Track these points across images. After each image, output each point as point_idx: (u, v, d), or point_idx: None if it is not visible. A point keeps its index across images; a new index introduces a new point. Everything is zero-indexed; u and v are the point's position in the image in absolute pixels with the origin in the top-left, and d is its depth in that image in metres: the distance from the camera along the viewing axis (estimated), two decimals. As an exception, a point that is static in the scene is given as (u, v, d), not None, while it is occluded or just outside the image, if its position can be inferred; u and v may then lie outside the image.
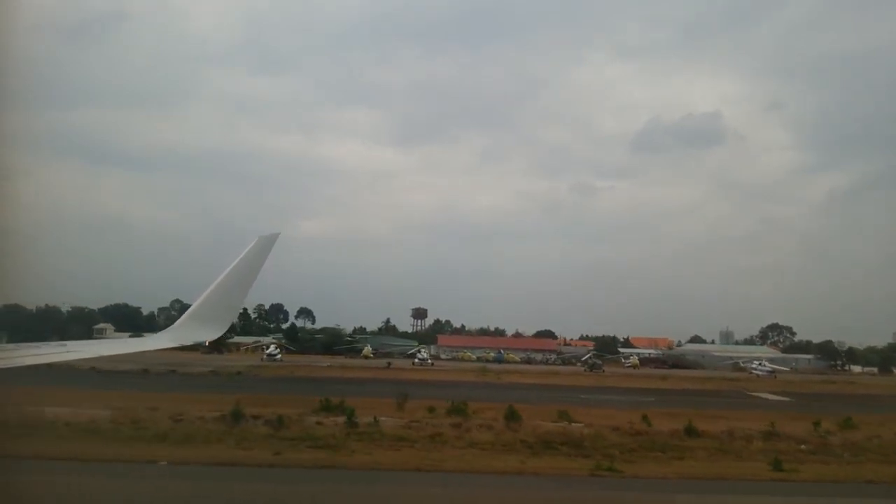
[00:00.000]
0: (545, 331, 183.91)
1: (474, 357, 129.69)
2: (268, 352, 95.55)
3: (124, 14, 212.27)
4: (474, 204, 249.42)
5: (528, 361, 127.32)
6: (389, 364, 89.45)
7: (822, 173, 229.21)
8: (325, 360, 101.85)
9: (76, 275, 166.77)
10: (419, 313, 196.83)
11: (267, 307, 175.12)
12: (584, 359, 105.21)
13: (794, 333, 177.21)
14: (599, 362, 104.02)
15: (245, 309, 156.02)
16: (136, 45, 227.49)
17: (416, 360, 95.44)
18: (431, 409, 29.84)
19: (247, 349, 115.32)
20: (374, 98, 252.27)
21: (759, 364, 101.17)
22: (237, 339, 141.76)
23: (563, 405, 34.65)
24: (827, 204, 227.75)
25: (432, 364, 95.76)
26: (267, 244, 9.49)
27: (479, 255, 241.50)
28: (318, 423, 25.15)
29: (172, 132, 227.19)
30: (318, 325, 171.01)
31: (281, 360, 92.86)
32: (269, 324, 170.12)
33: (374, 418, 25.65)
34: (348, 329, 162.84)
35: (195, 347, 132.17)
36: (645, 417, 29.11)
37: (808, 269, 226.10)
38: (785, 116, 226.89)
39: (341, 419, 25.74)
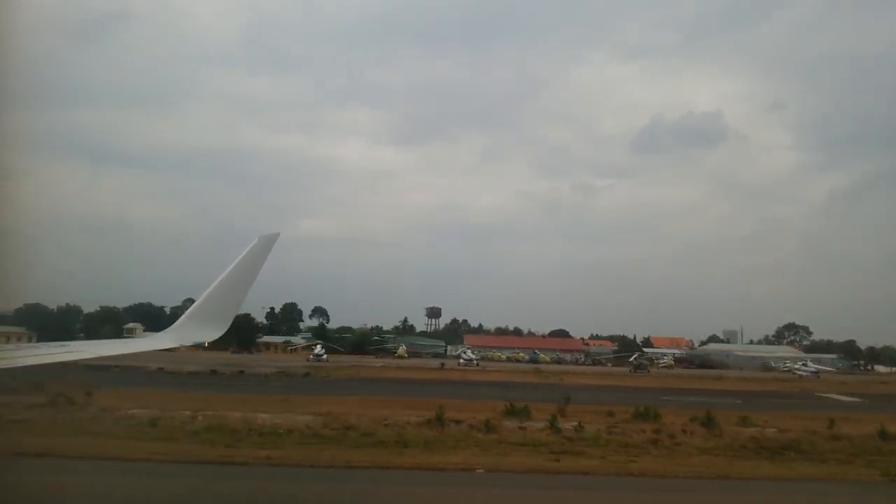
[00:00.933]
0: (559, 330, 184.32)
1: (503, 357, 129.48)
2: (315, 352, 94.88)
3: (125, 14, 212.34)
4: (475, 204, 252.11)
5: (558, 361, 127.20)
6: (443, 365, 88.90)
7: (823, 173, 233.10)
8: (368, 361, 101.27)
9: (76, 274, 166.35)
10: (433, 312, 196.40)
11: (269, 307, 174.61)
12: (631, 359, 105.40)
13: (810, 333, 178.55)
14: (647, 363, 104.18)
15: (272, 308, 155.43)
16: (137, 45, 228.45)
17: (462, 361, 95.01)
18: (611, 414, 29.36)
19: (293, 349, 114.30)
20: (374, 98, 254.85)
21: (803, 364, 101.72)
22: (265, 338, 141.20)
23: (663, 407, 33.60)
24: (828, 204, 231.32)
25: (477, 364, 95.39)
26: (267, 244, 9.46)
27: (479, 254, 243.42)
28: (521, 427, 24.84)
29: (173, 132, 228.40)
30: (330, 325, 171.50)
31: (327, 360, 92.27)
32: (281, 324, 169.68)
33: (579, 424, 25.06)
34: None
35: (224, 347, 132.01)
36: (832, 421, 28.00)
37: (808, 268, 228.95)
38: (786, 116, 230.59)
39: (538, 424, 25.47)
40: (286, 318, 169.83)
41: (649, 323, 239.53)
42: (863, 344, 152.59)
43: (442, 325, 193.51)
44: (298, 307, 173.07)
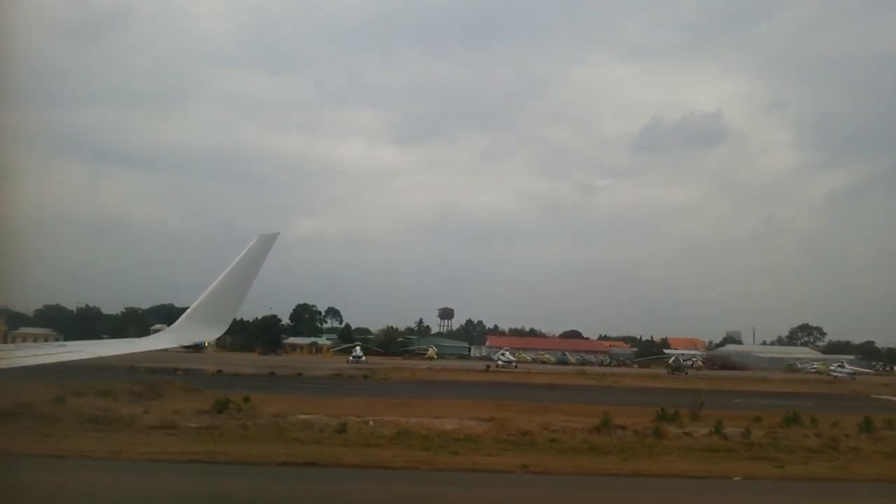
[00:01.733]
0: (571, 331, 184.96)
1: (529, 358, 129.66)
2: (354, 354, 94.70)
3: (124, 13, 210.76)
4: (475, 204, 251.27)
5: (583, 363, 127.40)
6: (489, 367, 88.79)
7: (823, 172, 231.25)
8: (402, 363, 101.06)
9: (76, 274, 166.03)
10: (446, 313, 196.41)
11: (292, 308, 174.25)
12: (670, 361, 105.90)
13: (824, 334, 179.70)
14: (686, 364, 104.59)
15: (294, 309, 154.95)
16: (137, 45, 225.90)
17: (501, 363, 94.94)
18: (757, 419, 29.01)
19: (331, 350, 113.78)
20: (374, 98, 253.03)
21: (839, 366, 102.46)
22: (291, 339, 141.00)
23: (753, 411, 33.86)
24: (828, 204, 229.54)
25: (516, 367, 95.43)
26: (267, 243, 9.46)
27: (479, 254, 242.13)
28: (686, 433, 24.69)
29: (173, 132, 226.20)
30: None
31: (366, 361, 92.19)
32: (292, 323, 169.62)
33: (746, 430, 24.88)
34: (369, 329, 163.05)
35: (250, 348, 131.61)
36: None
37: (809, 268, 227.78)
38: (786, 116, 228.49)
39: (701, 430, 25.16)
40: (300, 318, 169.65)
41: (651, 323, 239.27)
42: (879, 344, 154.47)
43: (455, 326, 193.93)
44: (313, 308, 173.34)
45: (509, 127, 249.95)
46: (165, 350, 9.19)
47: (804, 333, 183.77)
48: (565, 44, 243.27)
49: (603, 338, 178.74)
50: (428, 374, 73.35)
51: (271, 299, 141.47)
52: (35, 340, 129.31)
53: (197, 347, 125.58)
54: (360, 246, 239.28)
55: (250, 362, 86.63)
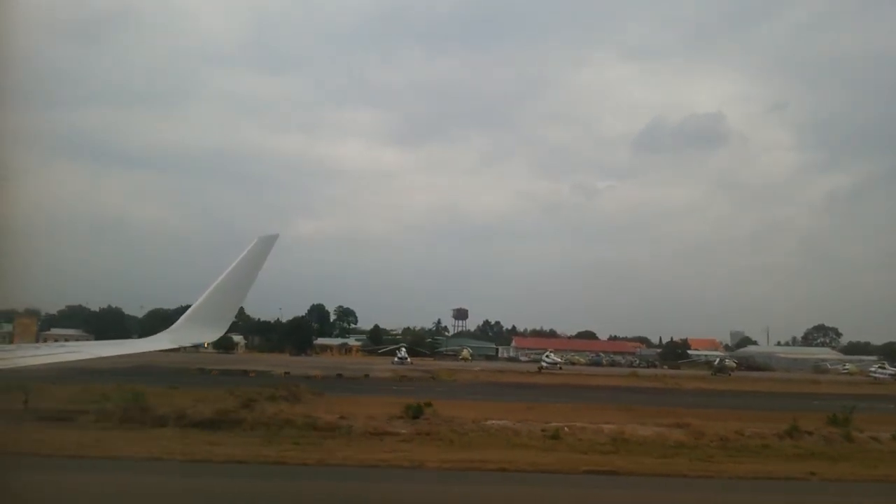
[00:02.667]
0: (586, 331, 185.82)
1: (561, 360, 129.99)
2: (399, 355, 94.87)
3: (125, 14, 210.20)
4: (476, 204, 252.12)
5: (612, 364, 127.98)
6: (540, 369, 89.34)
7: (824, 173, 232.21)
8: (440, 364, 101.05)
9: (77, 275, 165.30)
10: (461, 313, 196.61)
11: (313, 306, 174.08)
12: (715, 362, 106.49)
13: (840, 335, 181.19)
14: (732, 365, 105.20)
15: (338, 308, 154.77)
16: (138, 45, 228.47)
17: (546, 364, 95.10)
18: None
19: (360, 352, 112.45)
20: (375, 98, 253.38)
21: (880, 367, 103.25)
22: (320, 340, 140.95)
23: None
24: (829, 204, 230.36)
25: (561, 368, 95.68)
26: (266, 245, 9.56)
27: (480, 254, 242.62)
28: (872, 437, 24.85)
29: (174, 132, 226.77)
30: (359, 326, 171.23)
31: (411, 363, 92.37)
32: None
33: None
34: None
35: (280, 349, 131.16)
36: None
37: (810, 268, 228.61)
38: (787, 117, 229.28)
39: (882, 434, 25.18)
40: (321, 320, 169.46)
41: (654, 323, 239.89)
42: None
43: (471, 327, 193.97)
44: (326, 307, 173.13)
45: (510, 127, 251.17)
46: (172, 350, 9.31)
47: (819, 334, 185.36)
48: (566, 44, 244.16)
49: (613, 338, 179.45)
50: (488, 375, 73.51)
51: (270, 299, 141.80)
52: (67, 341, 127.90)
53: (196, 348, 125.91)
54: (360, 246, 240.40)
55: (296, 364, 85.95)
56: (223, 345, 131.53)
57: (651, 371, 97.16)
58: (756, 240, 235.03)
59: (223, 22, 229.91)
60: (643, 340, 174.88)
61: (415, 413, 24.76)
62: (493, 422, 25.02)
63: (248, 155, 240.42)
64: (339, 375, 64.55)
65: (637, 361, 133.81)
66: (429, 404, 26.72)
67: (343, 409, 28.65)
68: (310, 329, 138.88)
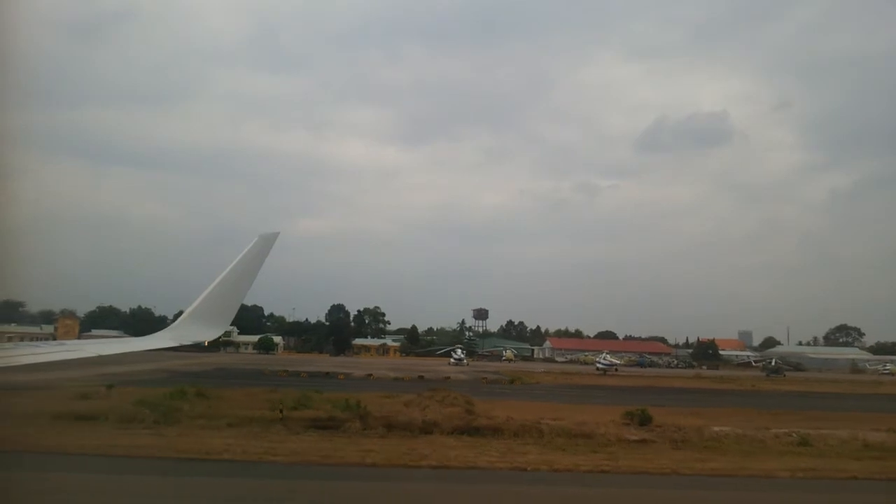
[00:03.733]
0: (606, 332, 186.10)
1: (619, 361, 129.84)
2: (456, 356, 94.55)
3: (129, 13, 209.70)
4: (480, 202, 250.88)
5: (650, 365, 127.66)
6: (605, 371, 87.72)
7: (828, 172, 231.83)
8: (493, 364, 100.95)
9: (80, 273, 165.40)
10: (481, 314, 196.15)
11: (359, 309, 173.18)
12: (769, 363, 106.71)
13: (862, 335, 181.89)
14: (785, 367, 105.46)
15: (359, 311, 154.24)
16: (142, 45, 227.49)
17: (601, 366, 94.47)
18: None
19: (437, 353, 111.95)
20: (379, 97, 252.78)
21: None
22: (358, 341, 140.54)
23: None
24: (834, 203, 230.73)
25: (616, 370, 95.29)
26: (267, 243, 9.57)
27: (487, 254, 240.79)
28: None
29: (177, 131, 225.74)
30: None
31: (467, 364, 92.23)
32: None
33: None
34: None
35: (319, 349, 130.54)
36: None
37: (812, 267, 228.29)
38: (792, 116, 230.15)
39: None
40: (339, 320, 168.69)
41: (660, 322, 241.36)
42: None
43: (492, 327, 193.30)
44: (346, 308, 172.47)
45: (515, 126, 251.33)
46: (167, 349, 9.31)
47: (841, 334, 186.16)
48: (570, 43, 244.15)
49: (628, 338, 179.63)
50: (560, 378, 72.85)
51: (274, 298, 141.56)
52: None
53: (238, 348, 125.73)
54: (363, 245, 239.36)
55: (353, 365, 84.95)
56: (264, 345, 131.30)
57: (710, 373, 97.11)
58: (759, 239, 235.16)
59: (226, 21, 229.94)
60: (659, 340, 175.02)
61: (641, 420, 24.78)
62: (718, 428, 25.00)
63: (252, 154, 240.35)
64: (422, 377, 64.15)
65: (675, 362, 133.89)
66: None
67: (530, 414, 28.27)
68: (348, 330, 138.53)
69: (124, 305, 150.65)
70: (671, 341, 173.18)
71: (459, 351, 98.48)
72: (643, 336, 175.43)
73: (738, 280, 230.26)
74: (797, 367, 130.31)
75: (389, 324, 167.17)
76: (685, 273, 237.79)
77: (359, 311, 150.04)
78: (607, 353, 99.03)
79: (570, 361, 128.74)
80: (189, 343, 9.32)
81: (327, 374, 63.41)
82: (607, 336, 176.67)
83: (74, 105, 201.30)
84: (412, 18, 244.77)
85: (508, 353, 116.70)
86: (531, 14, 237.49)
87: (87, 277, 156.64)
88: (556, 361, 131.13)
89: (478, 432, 23.17)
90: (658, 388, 60.49)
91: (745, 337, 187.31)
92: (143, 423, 22.56)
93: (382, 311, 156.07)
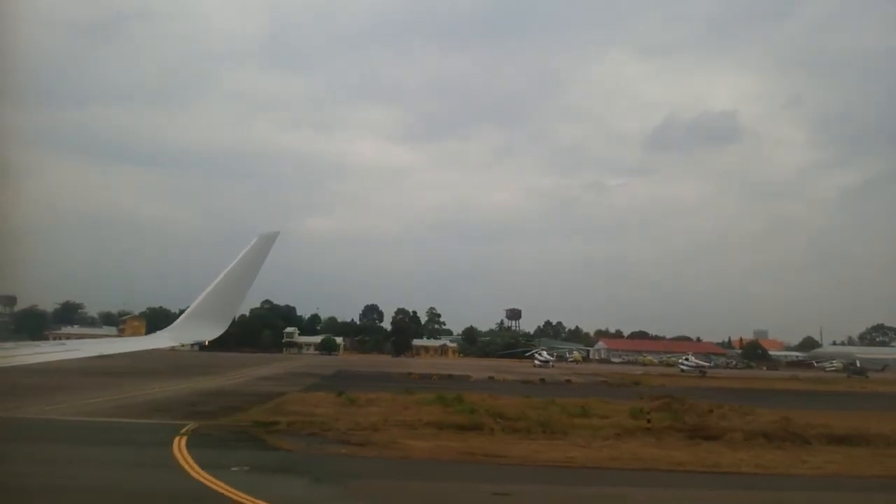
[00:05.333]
0: (639, 332, 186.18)
1: (656, 361, 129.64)
2: (542, 358, 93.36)
3: (137, 13, 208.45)
4: (487, 200, 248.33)
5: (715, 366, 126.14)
6: (704, 373, 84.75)
7: (841, 170, 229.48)
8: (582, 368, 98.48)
9: (87, 272, 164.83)
10: (514, 314, 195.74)
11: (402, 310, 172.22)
12: (852, 363, 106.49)
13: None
14: (864, 368, 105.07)
15: (414, 312, 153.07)
16: (151, 44, 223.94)
17: (685, 367, 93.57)
18: None
19: (527, 354, 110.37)
20: (388, 95, 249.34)
21: None
22: (416, 342, 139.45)
23: None
24: (847, 202, 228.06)
25: (702, 373, 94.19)
26: (267, 242, 9.58)
27: (487, 252, 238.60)
28: None
29: (187, 130, 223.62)
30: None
31: (553, 366, 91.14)
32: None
33: None
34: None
35: (378, 350, 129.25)
36: None
37: (825, 265, 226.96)
38: (802, 114, 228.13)
39: None
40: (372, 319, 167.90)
41: (663, 321, 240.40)
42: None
43: (527, 327, 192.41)
44: (379, 308, 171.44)
45: (525, 124, 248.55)
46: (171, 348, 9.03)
47: (878, 333, 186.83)
48: (580, 41, 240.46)
49: (656, 338, 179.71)
50: (677, 381, 70.46)
51: (267, 294, 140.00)
52: (179, 345, 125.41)
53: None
54: (371, 243, 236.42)
55: (444, 365, 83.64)
56: (326, 346, 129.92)
57: (804, 374, 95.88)
58: (769, 236, 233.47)
59: (236, 20, 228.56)
60: (684, 339, 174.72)
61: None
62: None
63: (263, 153, 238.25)
64: (542, 380, 62.32)
65: (734, 363, 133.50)
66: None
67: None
68: (410, 331, 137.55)
69: (173, 306, 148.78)
70: (694, 340, 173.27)
71: (545, 353, 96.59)
72: (666, 336, 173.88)
73: (748, 278, 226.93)
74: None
75: (445, 325, 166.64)
76: (695, 271, 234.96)
77: (413, 311, 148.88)
78: (691, 355, 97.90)
79: (628, 363, 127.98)
80: (190, 342, 9.04)
81: (450, 375, 61.96)
82: (640, 336, 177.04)
83: (86, 104, 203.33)
84: (423, 17, 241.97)
85: (576, 355, 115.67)
86: (541, 12, 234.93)
87: (84, 277, 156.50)
88: (613, 362, 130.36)
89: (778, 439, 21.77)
90: (796, 392, 59.08)
91: (759, 335, 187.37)
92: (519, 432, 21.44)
93: (438, 311, 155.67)
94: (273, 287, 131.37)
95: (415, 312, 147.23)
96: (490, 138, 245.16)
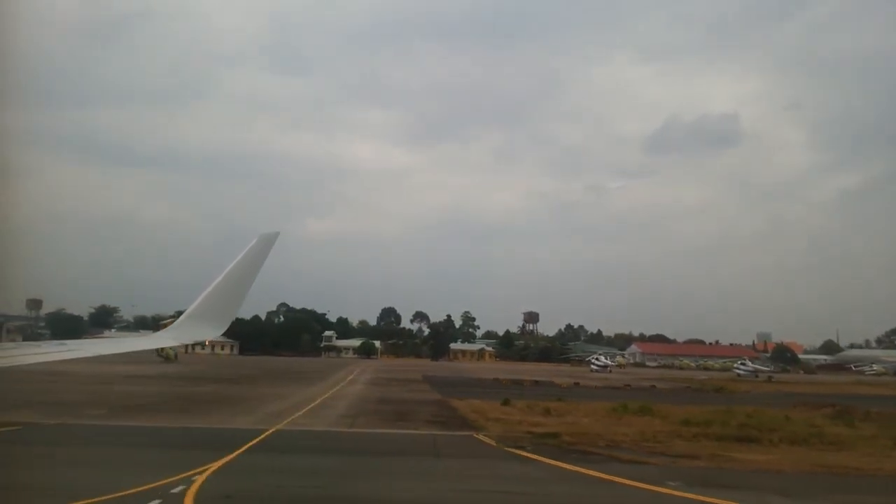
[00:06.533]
0: (657, 335, 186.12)
1: (693, 365, 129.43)
2: (600, 363, 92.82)
3: (141, 14, 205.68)
4: (489, 202, 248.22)
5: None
6: (770, 378, 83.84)
7: (842, 172, 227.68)
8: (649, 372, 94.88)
9: (90, 273, 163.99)
10: (531, 317, 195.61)
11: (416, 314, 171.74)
12: None
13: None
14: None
15: (448, 316, 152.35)
16: (152, 45, 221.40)
17: (742, 372, 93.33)
18: None
19: (588, 359, 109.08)
20: (388, 97, 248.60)
21: None
22: (453, 346, 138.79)
23: None
24: (847, 203, 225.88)
25: (757, 376, 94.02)
26: (267, 243, 9.68)
27: (489, 253, 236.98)
28: None
29: (187, 131, 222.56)
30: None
31: (610, 371, 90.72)
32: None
33: None
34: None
35: (415, 354, 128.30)
36: None
37: (824, 268, 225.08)
38: (803, 116, 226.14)
39: None
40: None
41: (671, 323, 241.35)
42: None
43: (547, 330, 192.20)
44: (397, 311, 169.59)
45: (526, 127, 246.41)
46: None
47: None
48: (581, 44, 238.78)
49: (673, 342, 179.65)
50: (756, 386, 69.14)
51: (267, 298, 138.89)
52: (224, 349, 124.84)
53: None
54: (368, 246, 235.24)
55: (503, 371, 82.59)
56: (365, 350, 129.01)
57: (870, 378, 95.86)
58: (769, 238, 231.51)
59: (236, 20, 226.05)
60: (697, 342, 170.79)
61: None
62: None
63: (264, 154, 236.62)
64: (628, 386, 61.99)
65: (770, 367, 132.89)
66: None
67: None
68: (448, 335, 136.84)
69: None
70: (706, 343, 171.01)
71: (603, 357, 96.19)
72: (677, 339, 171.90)
73: (749, 280, 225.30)
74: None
75: (479, 328, 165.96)
76: (696, 274, 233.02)
77: (448, 315, 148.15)
78: (747, 360, 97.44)
79: (664, 367, 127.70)
80: (189, 342, 9.15)
81: (535, 382, 61.35)
82: (659, 339, 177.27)
83: (86, 106, 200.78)
84: (423, 18, 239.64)
85: (620, 359, 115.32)
86: (542, 15, 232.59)
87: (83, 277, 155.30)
88: (648, 367, 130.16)
89: None
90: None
91: (763, 338, 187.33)
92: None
93: (472, 315, 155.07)
94: (274, 289, 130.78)
95: (449, 317, 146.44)
96: (492, 140, 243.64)
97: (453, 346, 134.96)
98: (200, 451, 15.65)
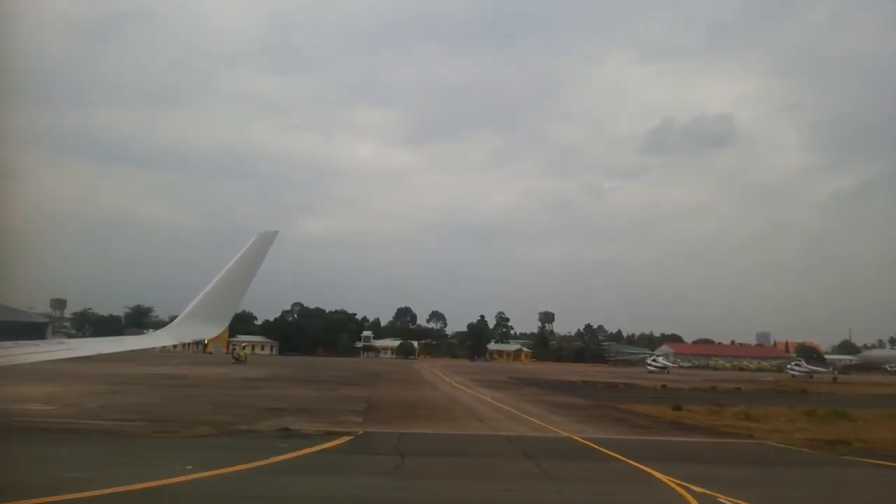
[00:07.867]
0: (671, 335, 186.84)
1: (728, 365, 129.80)
2: (658, 363, 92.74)
3: (138, 13, 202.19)
4: (487, 203, 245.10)
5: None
6: (835, 379, 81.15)
7: (837, 174, 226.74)
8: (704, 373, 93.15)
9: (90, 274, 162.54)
10: (547, 317, 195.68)
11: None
12: None
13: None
14: None
15: (481, 316, 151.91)
16: (149, 44, 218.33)
17: (796, 373, 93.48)
18: None
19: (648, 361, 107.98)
20: (387, 97, 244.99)
21: None
22: (490, 346, 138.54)
23: None
24: (841, 204, 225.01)
25: (811, 376, 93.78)
26: (266, 241, 9.72)
27: (489, 253, 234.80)
28: None
29: (184, 130, 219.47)
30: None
31: (668, 372, 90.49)
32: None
33: None
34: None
35: (450, 354, 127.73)
36: None
37: (821, 268, 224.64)
38: (800, 118, 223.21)
39: None
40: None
41: (671, 323, 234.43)
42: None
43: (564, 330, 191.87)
44: (413, 311, 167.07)
45: (523, 127, 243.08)
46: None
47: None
48: (578, 44, 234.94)
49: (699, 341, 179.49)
50: (853, 388, 62.94)
51: (270, 299, 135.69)
52: (263, 349, 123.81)
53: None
54: (368, 245, 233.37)
55: (564, 372, 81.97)
56: (405, 351, 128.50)
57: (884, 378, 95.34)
58: (765, 239, 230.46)
59: (236, 20, 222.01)
60: (707, 342, 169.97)
61: None
62: None
63: (261, 154, 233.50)
64: (714, 388, 61.75)
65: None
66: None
67: None
68: (485, 335, 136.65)
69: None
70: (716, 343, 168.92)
71: (661, 359, 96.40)
72: (684, 339, 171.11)
73: (746, 280, 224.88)
74: None
75: (514, 329, 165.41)
76: (693, 274, 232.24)
77: (482, 316, 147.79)
78: (801, 360, 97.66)
79: (697, 367, 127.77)
80: (189, 341, 9.39)
81: (626, 385, 61.34)
82: (673, 339, 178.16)
83: (83, 105, 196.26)
84: (423, 18, 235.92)
85: (663, 360, 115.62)
86: (542, 15, 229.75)
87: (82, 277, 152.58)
88: (684, 367, 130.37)
89: None
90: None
91: (762, 338, 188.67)
92: None
93: (507, 315, 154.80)
94: (274, 289, 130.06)
95: (482, 317, 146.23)
96: (490, 140, 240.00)
97: (490, 346, 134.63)
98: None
